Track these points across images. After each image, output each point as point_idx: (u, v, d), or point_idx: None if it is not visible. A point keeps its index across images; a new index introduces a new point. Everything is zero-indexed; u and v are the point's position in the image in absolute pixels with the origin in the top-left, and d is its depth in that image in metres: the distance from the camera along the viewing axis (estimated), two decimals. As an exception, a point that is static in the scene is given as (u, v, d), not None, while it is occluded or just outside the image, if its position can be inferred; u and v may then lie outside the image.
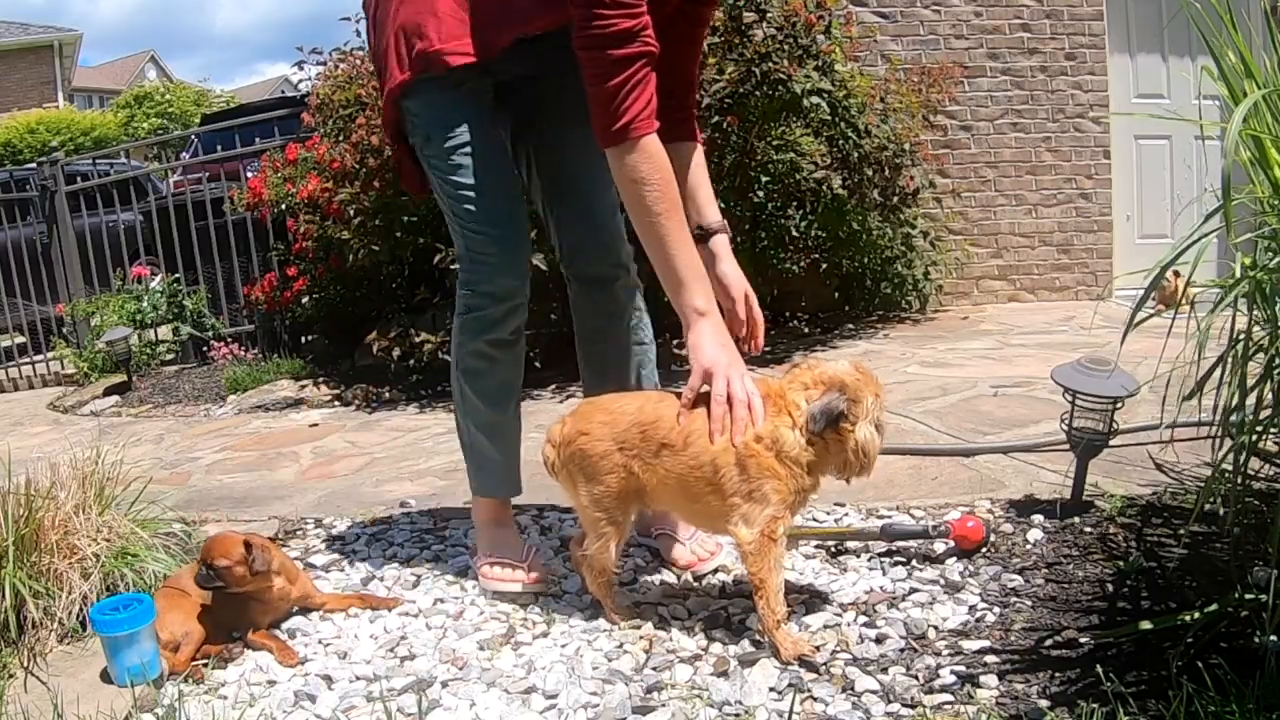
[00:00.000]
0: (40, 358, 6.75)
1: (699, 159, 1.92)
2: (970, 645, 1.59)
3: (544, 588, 1.94)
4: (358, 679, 1.66)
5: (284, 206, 5.23)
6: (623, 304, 2.06)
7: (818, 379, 1.65)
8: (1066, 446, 2.14)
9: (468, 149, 1.85)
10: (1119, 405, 2.02)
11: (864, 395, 1.62)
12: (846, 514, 2.21)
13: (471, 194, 1.86)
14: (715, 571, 1.98)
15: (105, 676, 1.69)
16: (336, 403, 4.54)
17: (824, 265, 5.10)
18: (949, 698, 1.44)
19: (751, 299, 1.86)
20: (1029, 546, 1.95)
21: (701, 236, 1.85)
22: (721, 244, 1.88)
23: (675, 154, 1.80)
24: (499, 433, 2.03)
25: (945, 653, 1.58)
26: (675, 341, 4.62)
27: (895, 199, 5.00)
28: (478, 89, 1.88)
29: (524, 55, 1.83)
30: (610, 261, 2.03)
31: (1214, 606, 1.47)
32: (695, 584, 1.95)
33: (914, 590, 1.81)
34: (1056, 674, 1.47)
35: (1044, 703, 1.39)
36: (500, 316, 1.91)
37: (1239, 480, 1.57)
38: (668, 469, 1.65)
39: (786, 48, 4.12)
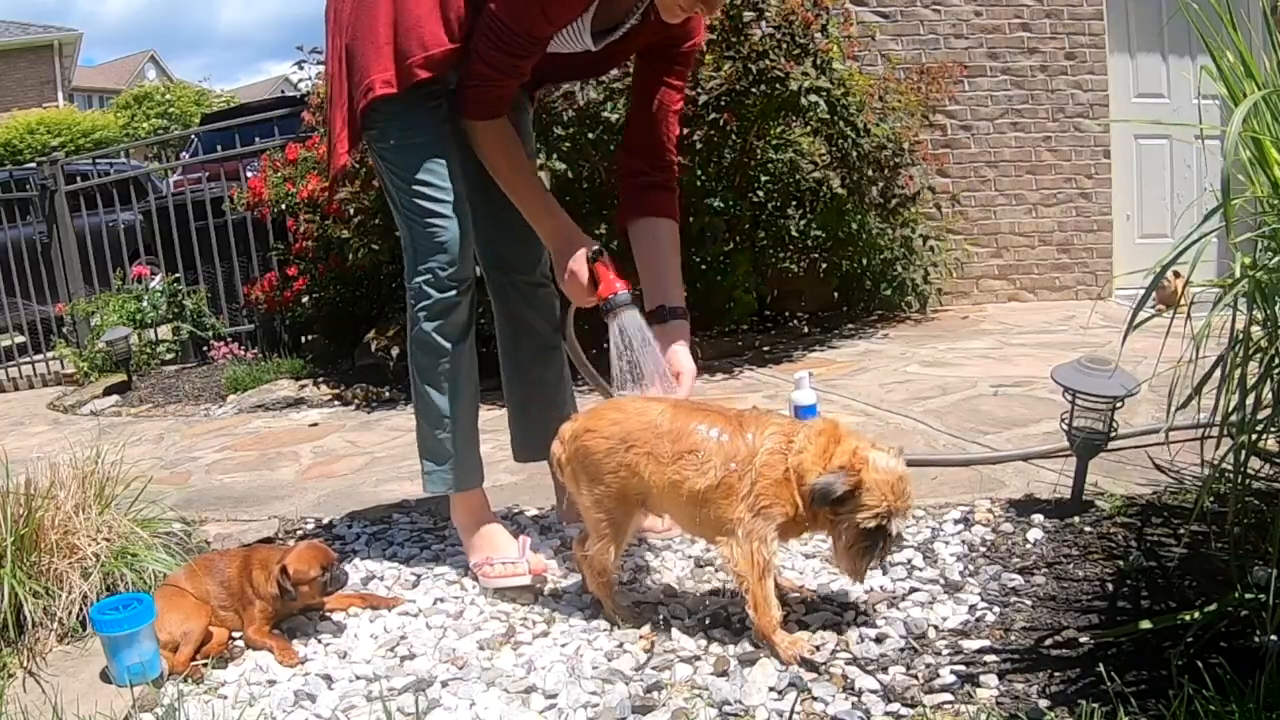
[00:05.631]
0: (40, 357, 6.75)
1: (669, 237, 2.02)
2: (970, 645, 1.59)
3: (545, 579, 1.95)
4: (358, 679, 1.66)
5: (284, 206, 5.23)
6: (550, 305, 2.25)
7: (859, 451, 1.59)
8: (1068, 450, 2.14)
9: (419, 148, 1.96)
10: (1119, 405, 2.02)
11: (868, 495, 1.56)
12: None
13: (419, 188, 1.97)
14: (715, 571, 1.98)
15: (105, 676, 1.69)
16: (336, 402, 4.54)
17: (823, 265, 5.10)
18: (949, 697, 1.44)
19: (687, 381, 1.93)
20: (1029, 546, 1.95)
21: (660, 316, 1.94)
22: (679, 328, 1.96)
23: (644, 230, 1.99)
24: (454, 426, 2.07)
25: (945, 652, 1.58)
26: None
27: (894, 200, 5.00)
28: (434, 93, 1.96)
29: None
30: (541, 271, 2.22)
31: (1214, 606, 1.47)
32: (695, 584, 1.95)
33: (914, 590, 1.81)
34: (1056, 674, 1.47)
35: (1044, 702, 1.39)
36: (444, 307, 1.99)
37: (1239, 480, 1.57)
38: (684, 475, 1.64)
39: (784, 46, 4.12)
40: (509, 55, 1.81)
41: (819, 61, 4.20)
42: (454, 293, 1.98)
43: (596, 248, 1.91)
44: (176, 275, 6.43)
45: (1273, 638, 1.36)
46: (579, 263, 1.90)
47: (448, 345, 2.02)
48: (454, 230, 1.97)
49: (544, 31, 1.78)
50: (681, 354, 1.93)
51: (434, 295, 1.98)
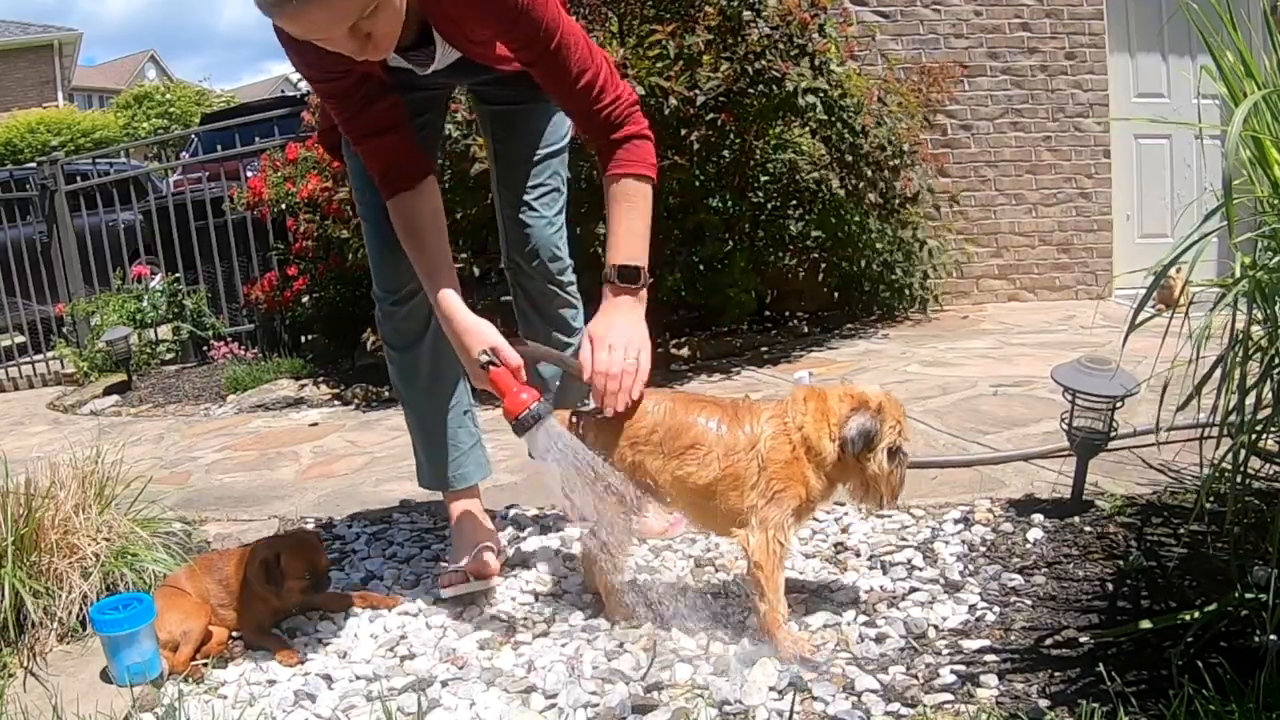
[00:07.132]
0: (40, 357, 6.75)
1: (619, 193, 1.76)
2: (970, 644, 1.59)
3: (486, 584, 1.93)
4: (358, 678, 1.66)
5: (284, 206, 5.24)
6: (558, 315, 2.19)
7: (850, 393, 1.66)
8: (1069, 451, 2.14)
9: (352, 168, 2.04)
10: (1119, 404, 2.02)
11: (887, 419, 1.63)
12: (846, 513, 2.21)
13: (364, 211, 2.05)
14: (716, 571, 1.98)
15: (105, 676, 1.69)
16: (336, 402, 4.54)
17: (823, 265, 5.10)
18: (949, 697, 1.44)
19: (612, 352, 1.67)
20: (1029, 546, 1.95)
21: (604, 277, 1.75)
22: (620, 293, 1.73)
23: (607, 190, 1.80)
24: (417, 428, 2.16)
25: (945, 652, 1.58)
26: (674, 342, 4.62)
27: (895, 200, 4.99)
28: None
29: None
30: (549, 280, 2.17)
31: (1214, 606, 1.47)
32: (695, 584, 1.95)
33: (914, 590, 1.81)
34: (1056, 673, 1.47)
35: (1044, 702, 1.39)
36: (382, 315, 2.09)
37: (1239, 480, 1.57)
38: (692, 469, 1.65)
39: (781, 46, 4.11)
40: (337, 117, 1.81)
41: (816, 62, 4.20)
42: (384, 303, 2.06)
43: (486, 354, 1.66)
44: (176, 275, 6.43)
45: (1273, 638, 1.36)
46: (475, 373, 1.70)
47: (395, 351, 2.09)
48: (375, 247, 2.04)
49: (321, 88, 1.79)
50: (595, 324, 1.71)
51: (376, 305, 2.08)
